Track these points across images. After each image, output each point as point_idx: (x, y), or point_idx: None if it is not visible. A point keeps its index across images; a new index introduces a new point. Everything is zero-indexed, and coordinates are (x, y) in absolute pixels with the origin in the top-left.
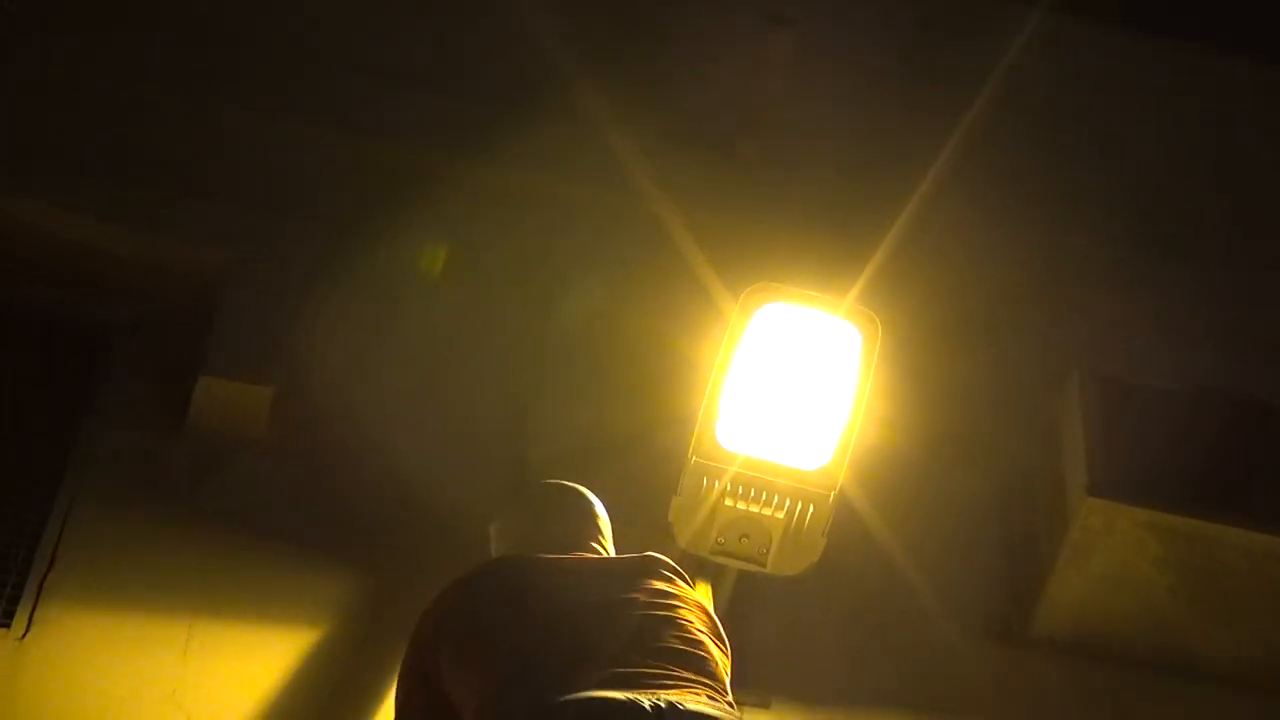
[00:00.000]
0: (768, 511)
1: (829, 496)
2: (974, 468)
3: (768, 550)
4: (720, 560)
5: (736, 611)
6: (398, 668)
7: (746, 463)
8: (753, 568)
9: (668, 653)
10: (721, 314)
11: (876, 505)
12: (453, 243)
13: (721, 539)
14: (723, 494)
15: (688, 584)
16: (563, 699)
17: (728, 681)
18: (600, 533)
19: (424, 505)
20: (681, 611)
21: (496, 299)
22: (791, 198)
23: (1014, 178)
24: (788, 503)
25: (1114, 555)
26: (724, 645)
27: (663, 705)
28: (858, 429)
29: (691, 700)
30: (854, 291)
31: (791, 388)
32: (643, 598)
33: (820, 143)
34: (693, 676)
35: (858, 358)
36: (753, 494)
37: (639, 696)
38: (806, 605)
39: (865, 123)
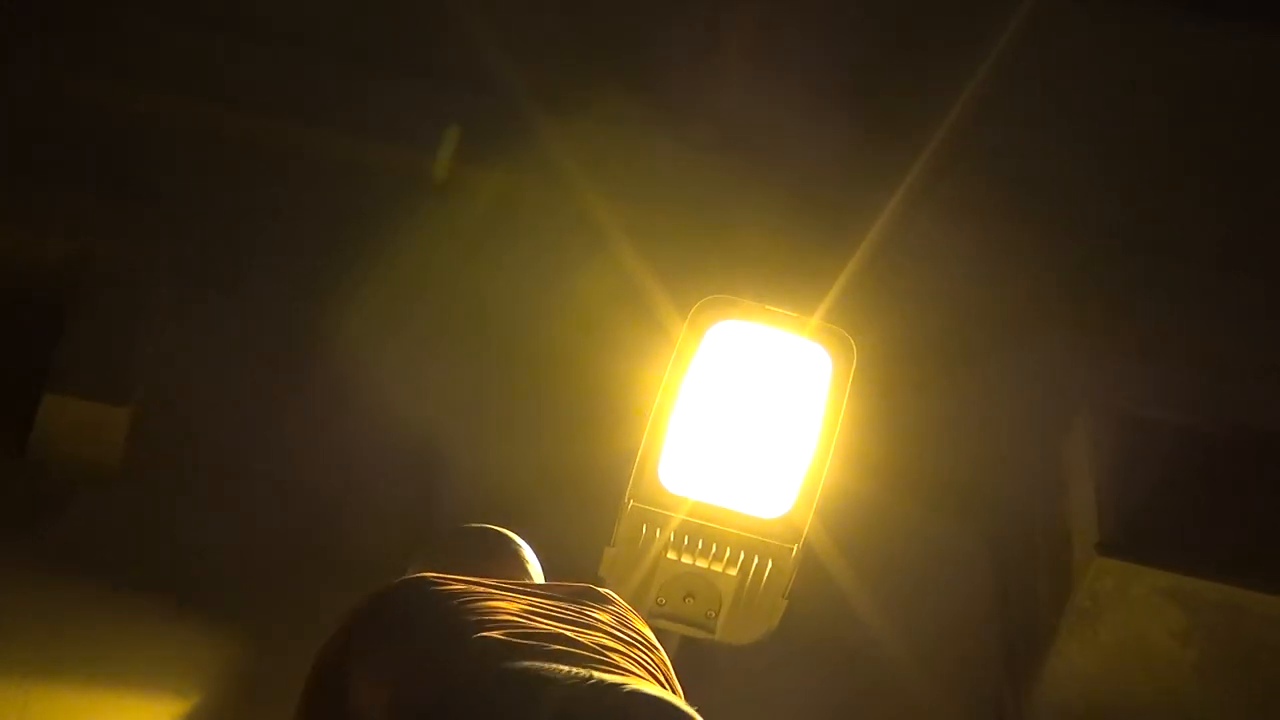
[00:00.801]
0: (718, 567)
1: (791, 550)
2: (962, 518)
3: (717, 614)
4: (661, 624)
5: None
6: None
7: (694, 509)
8: (699, 634)
9: (607, 650)
10: (667, 332)
11: (848, 561)
12: (349, 234)
13: (662, 599)
14: (665, 545)
15: (634, 624)
16: (501, 666)
17: None
18: (531, 579)
19: (313, 550)
20: (617, 636)
21: (400, 303)
22: (751, 194)
23: (1000, 180)
24: (742, 557)
25: (1128, 625)
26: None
27: (609, 683)
28: (826, 471)
29: (637, 683)
30: (823, 307)
31: (749, 421)
32: (582, 618)
33: (786, 132)
34: (635, 668)
35: (827, 386)
36: (700, 546)
37: (581, 671)
38: (762, 680)
39: (841, 114)
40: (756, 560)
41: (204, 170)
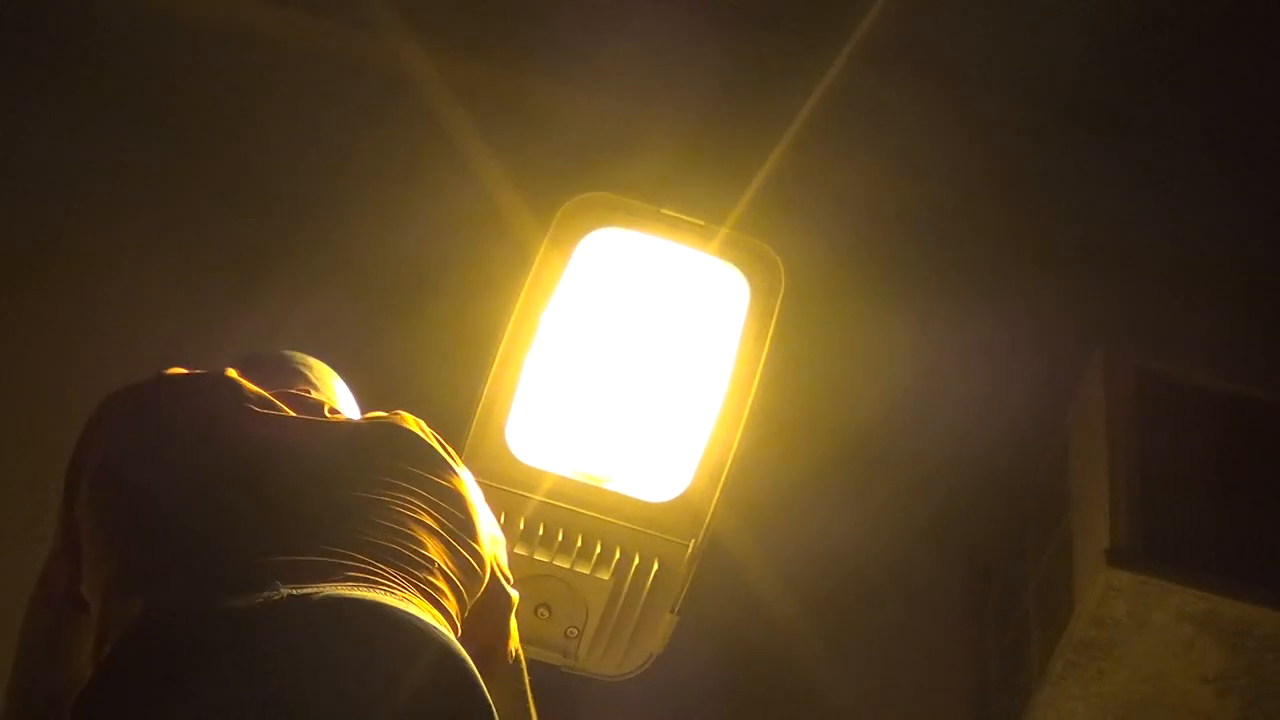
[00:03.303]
0: (584, 568)
1: (687, 547)
2: (922, 514)
3: (580, 633)
4: None
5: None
6: None
7: (554, 487)
8: (555, 660)
9: (367, 546)
10: (520, 243)
11: (767, 565)
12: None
13: None
14: (513, 537)
15: (446, 457)
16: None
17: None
18: (338, 400)
19: None
20: (409, 500)
21: (157, 187)
22: (631, 55)
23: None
24: (618, 555)
25: (1146, 664)
26: (472, 551)
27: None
28: (738, 439)
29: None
30: (738, 212)
31: (633, 368)
32: (367, 480)
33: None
34: (385, 569)
35: (743, 321)
36: (561, 539)
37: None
38: None
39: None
40: (638, 560)
41: None
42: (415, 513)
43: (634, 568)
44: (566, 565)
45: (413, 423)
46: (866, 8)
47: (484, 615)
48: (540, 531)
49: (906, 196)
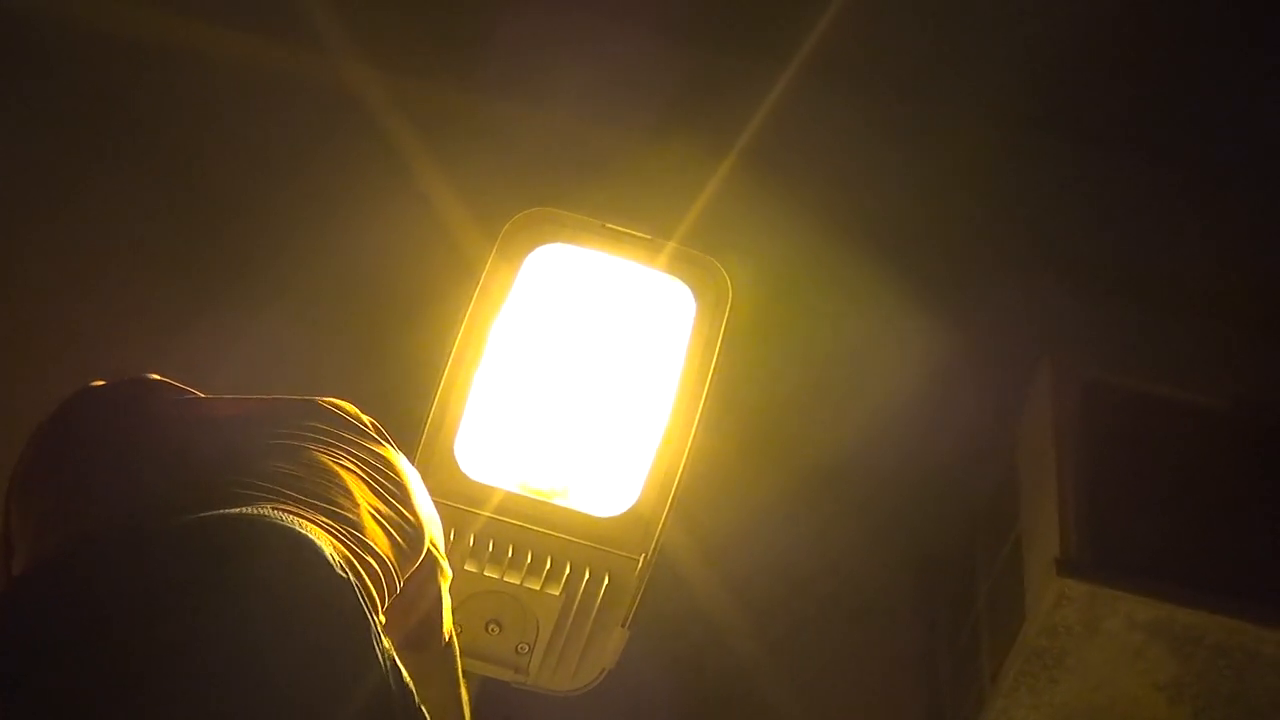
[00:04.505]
0: (534, 584)
1: (637, 562)
2: (869, 522)
3: (531, 648)
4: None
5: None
6: None
7: (503, 503)
8: (507, 676)
9: (280, 476)
10: (468, 259)
11: (718, 579)
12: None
13: (458, 626)
14: (463, 554)
15: (373, 431)
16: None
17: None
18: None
19: None
20: (336, 452)
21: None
22: (578, 72)
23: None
24: (568, 571)
25: (1097, 670)
26: (405, 512)
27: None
28: (688, 451)
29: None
30: (685, 226)
31: (581, 381)
32: (287, 433)
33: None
34: (297, 496)
35: (689, 334)
36: (511, 555)
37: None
38: None
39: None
40: (588, 575)
41: None
42: (341, 463)
43: (584, 583)
44: (516, 581)
45: (336, 400)
46: (815, 23)
47: (420, 591)
48: (490, 548)
49: (855, 209)
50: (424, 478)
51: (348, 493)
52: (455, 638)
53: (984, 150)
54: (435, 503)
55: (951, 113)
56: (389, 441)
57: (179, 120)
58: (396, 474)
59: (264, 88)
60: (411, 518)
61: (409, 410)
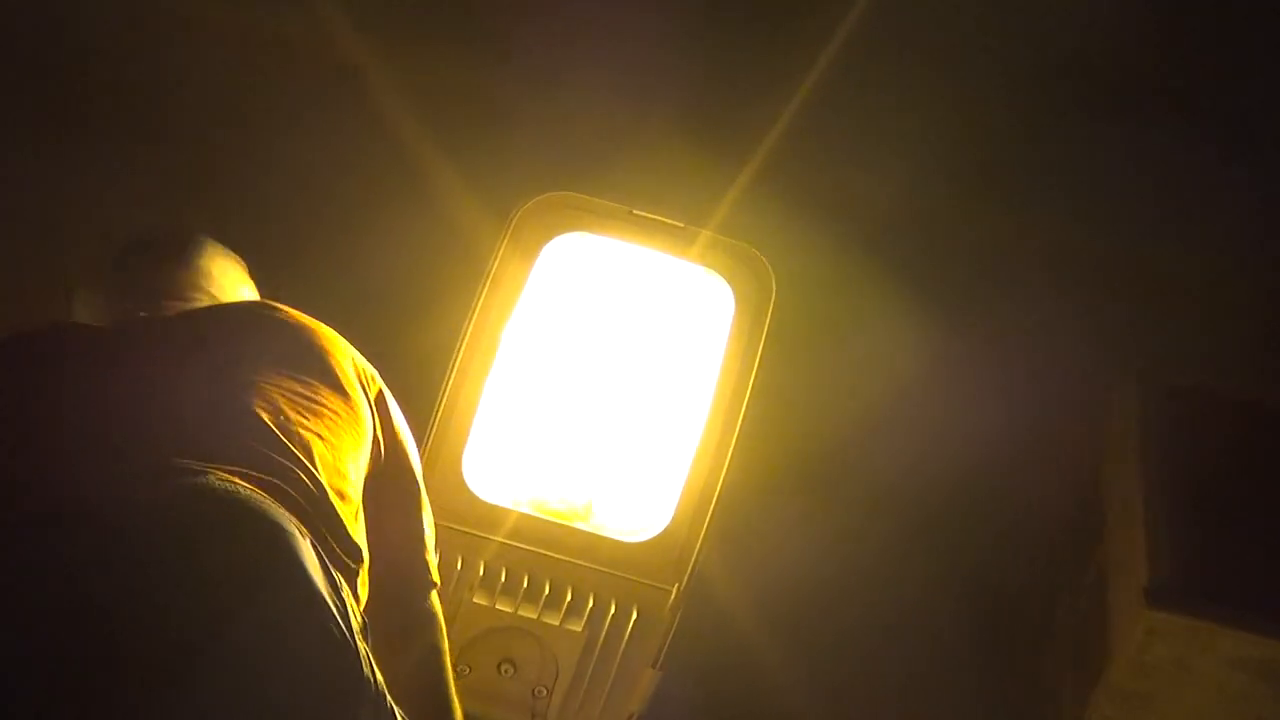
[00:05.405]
0: (553, 619)
1: (670, 593)
2: (932, 552)
3: (549, 692)
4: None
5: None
6: None
7: (518, 527)
8: None
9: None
10: (474, 249)
11: (761, 614)
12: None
13: (465, 667)
14: (471, 584)
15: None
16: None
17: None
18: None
19: None
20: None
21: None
22: (603, 52)
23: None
24: (591, 604)
25: (1193, 715)
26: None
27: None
28: (725, 470)
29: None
30: (721, 213)
31: (604, 391)
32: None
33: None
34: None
35: (729, 337)
36: (527, 586)
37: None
38: None
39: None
40: (614, 608)
41: None
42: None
43: (609, 617)
44: (533, 616)
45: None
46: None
47: (389, 505)
48: (503, 577)
49: (899, 193)
50: (429, 492)
51: (297, 448)
52: (437, 597)
53: (1030, 128)
54: (440, 526)
55: (997, 89)
56: (288, 311)
57: (180, 122)
58: (352, 372)
59: (260, 62)
60: (337, 390)
61: (413, 417)
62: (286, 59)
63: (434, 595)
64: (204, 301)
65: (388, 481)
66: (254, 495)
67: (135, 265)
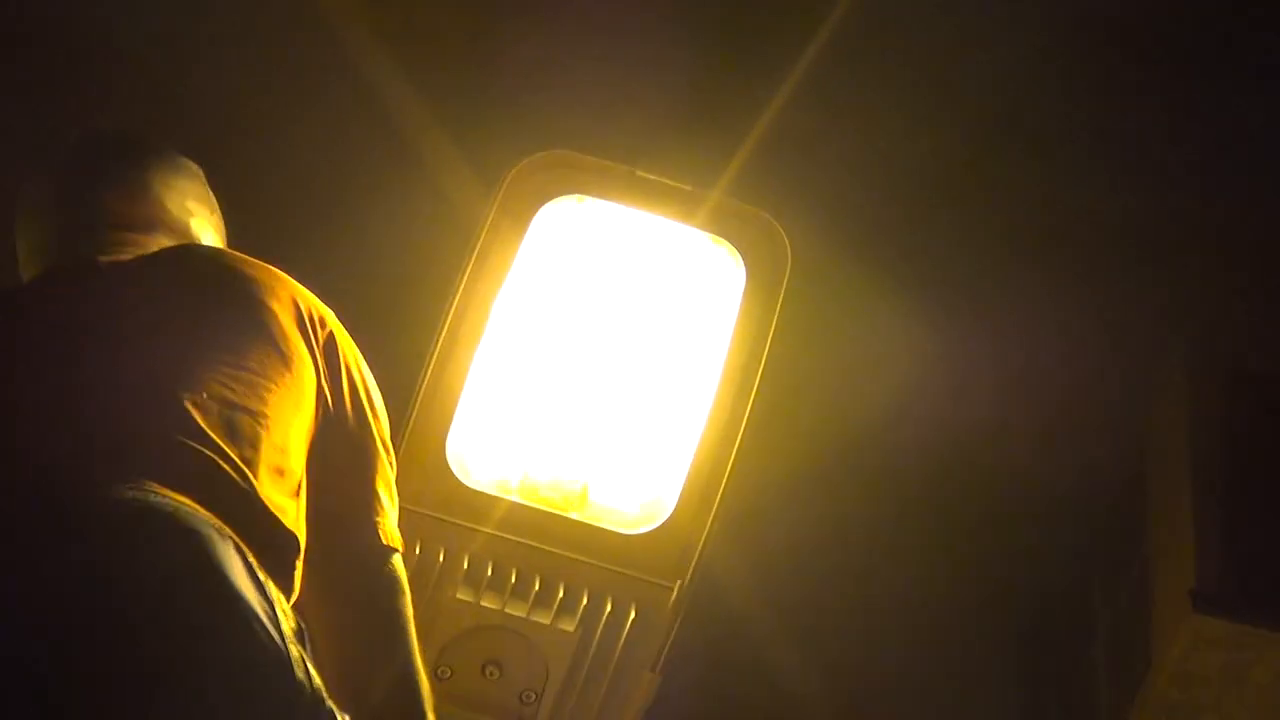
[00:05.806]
0: (543, 617)
1: (672, 591)
2: (960, 546)
3: (538, 698)
4: (445, 711)
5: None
6: None
7: (507, 516)
8: None
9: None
10: (463, 214)
11: (773, 611)
12: None
13: (446, 668)
14: (455, 577)
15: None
16: None
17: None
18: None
19: None
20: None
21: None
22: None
23: None
24: (585, 601)
25: None
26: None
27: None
28: (734, 454)
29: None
30: (729, 175)
31: (601, 369)
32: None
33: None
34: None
35: (738, 311)
36: (515, 580)
37: None
38: None
39: None
40: (610, 606)
41: None
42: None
43: (605, 616)
44: (522, 614)
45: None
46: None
47: (336, 467)
48: (489, 572)
49: (924, 150)
50: (406, 483)
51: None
52: (399, 560)
53: (1062, 81)
54: (421, 515)
55: (1025, 35)
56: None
57: (183, 113)
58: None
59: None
60: (269, 355)
61: (395, 397)
62: (272, 25)
63: (395, 561)
64: (155, 241)
65: (336, 437)
66: (168, 500)
67: (85, 198)
